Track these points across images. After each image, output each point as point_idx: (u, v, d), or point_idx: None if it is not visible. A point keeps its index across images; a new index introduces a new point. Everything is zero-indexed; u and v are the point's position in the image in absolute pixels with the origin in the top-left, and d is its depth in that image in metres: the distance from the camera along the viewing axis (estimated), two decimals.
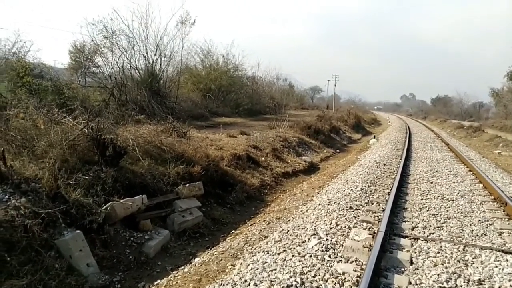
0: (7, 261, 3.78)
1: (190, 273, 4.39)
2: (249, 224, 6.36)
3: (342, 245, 4.31)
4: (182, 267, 4.70)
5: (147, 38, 16.69)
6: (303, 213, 5.94)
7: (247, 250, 4.70)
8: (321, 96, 73.90)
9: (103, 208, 4.93)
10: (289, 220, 5.79)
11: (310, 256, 3.97)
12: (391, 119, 46.39)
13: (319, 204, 6.21)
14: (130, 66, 16.44)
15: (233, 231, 6.23)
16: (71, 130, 5.85)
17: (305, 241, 4.44)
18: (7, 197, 4.26)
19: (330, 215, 5.42)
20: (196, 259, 4.91)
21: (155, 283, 4.37)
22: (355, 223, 5.06)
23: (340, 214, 5.43)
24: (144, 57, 16.79)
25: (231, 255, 4.66)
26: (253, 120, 21.10)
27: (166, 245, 5.43)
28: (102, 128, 5.90)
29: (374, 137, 20.05)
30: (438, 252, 4.23)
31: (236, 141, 11.22)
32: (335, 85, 54.22)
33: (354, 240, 4.45)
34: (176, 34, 17.75)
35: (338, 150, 16.38)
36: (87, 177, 5.25)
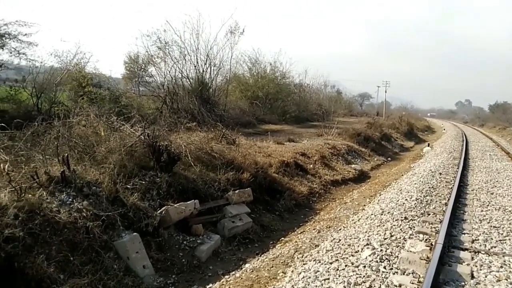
0: (71, 260, 4.02)
1: (241, 278, 4.44)
2: (299, 232, 6.33)
3: (398, 256, 4.17)
4: (233, 272, 4.77)
5: (197, 48, 17.18)
6: (354, 223, 5.82)
7: (298, 258, 4.68)
8: (370, 102, 72.20)
9: (158, 212, 5.12)
10: (340, 229, 5.69)
11: (364, 266, 3.88)
12: (446, 127, 44.30)
13: (372, 214, 6.05)
14: (182, 75, 16.99)
15: (282, 238, 6.22)
16: (129, 137, 6.13)
17: (358, 251, 4.35)
18: (70, 200, 4.53)
19: (383, 225, 5.27)
20: (247, 265, 4.96)
21: (207, 286, 4.46)
22: (410, 234, 4.88)
23: (394, 225, 5.27)
24: (195, 66, 17.28)
25: (282, 263, 4.66)
26: (300, 127, 21.00)
27: (217, 250, 5.52)
28: (158, 135, 6.14)
29: (428, 145, 19.26)
30: (501, 267, 3.99)
31: (284, 148, 11.22)
32: (385, 92, 52.65)
33: (410, 251, 4.29)
34: (226, 43, 18.14)
35: (389, 158, 15.89)
36: (143, 182, 5.48)
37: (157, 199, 5.44)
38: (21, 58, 11.55)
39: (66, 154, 4.89)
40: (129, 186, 5.14)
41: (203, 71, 17.60)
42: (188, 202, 5.63)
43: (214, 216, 6.18)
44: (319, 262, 4.19)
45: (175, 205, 5.35)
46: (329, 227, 6.10)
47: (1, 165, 4.64)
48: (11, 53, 11.27)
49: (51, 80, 12.40)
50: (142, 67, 23.39)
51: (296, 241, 5.59)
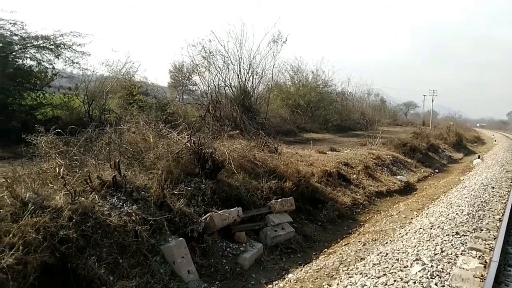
0: (120, 263, 4.15)
1: None
2: (343, 244, 6.20)
3: (449, 273, 3.98)
4: (276, 282, 4.74)
5: (240, 57, 17.41)
6: (402, 236, 5.63)
7: (343, 270, 4.58)
8: (415, 112, 69.86)
9: (203, 218, 5.19)
10: (386, 243, 5.51)
11: (414, 282, 3.73)
12: (497, 138, 42.00)
13: (420, 228, 5.82)
14: (225, 84, 17.25)
15: (325, 249, 6.12)
16: (176, 144, 6.28)
17: (407, 266, 4.18)
18: (121, 204, 4.70)
19: (433, 240, 5.05)
20: (290, 275, 4.91)
21: None
22: (462, 251, 4.64)
23: (445, 240, 5.03)
24: (238, 75, 17.51)
25: (327, 275, 4.57)
26: (343, 136, 20.67)
27: (259, 258, 5.51)
28: (203, 143, 6.25)
29: (479, 157, 18.33)
30: None
31: (326, 158, 11.07)
32: (432, 100, 50.78)
33: (463, 268, 4.07)
34: (268, 52, 18.25)
35: (437, 170, 15.27)
36: (189, 188, 5.60)
37: (202, 205, 5.53)
38: (75, 67, 12.17)
39: (117, 160, 5.09)
40: (175, 192, 5.26)
41: (245, 79, 17.80)
42: (232, 210, 5.68)
43: (256, 224, 6.19)
44: (366, 276, 4.07)
45: (219, 212, 5.41)
46: (375, 240, 5.93)
47: (57, 169, 4.91)
48: (65, 62, 11.90)
49: (102, 88, 12.98)
50: (186, 75, 23.97)
51: (340, 253, 5.47)
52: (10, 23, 10.42)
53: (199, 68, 17.24)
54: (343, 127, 24.67)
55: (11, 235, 3.56)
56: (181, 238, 4.70)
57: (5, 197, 3.92)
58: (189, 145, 6.24)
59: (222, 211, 5.49)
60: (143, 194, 4.96)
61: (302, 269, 5.10)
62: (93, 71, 12.88)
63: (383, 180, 11.08)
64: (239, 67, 17.53)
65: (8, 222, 3.68)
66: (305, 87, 24.42)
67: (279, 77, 22.87)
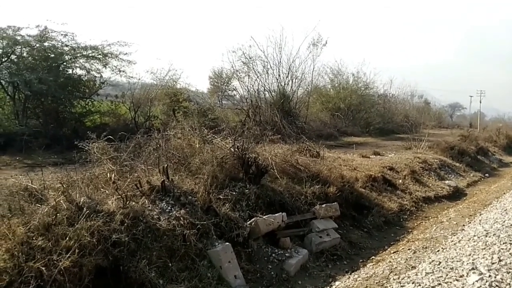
0: (169, 266, 4.22)
1: None
2: (391, 251, 6.00)
3: (509, 283, 3.74)
4: None
5: (280, 61, 17.42)
6: (454, 244, 5.36)
7: (393, 279, 4.41)
8: (462, 113, 66.85)
9: (248, 223, 5.20)
10: (438, 251, 5.28)
11: None
12: None
13: (474, 235, 5.53)
14: (264, 89, 17.31)
15: (373, 257, 5.95)
16: (220, 149, 6.35)
17: (463, 275, 3.97)
18: (169, 208, 4.79)
19: (489, 249, 4.77)
20: (337, 283, 4.81)
21: None
22: None
23: (502, 248, 4.74)
24: (277, 79, 17.52)
25: (377, 283, 4.42)
26: (386, 140, 20.12)
27: (305, 265, 5.45)
28: (246, 148, 6.28)
29: None
30: None
31: (370, 162, 10.80)
32: (480, 102, 48.36)
33: None
34: (308, 56, 18.14)
35: (487, 174, 14.50)
36: (233, 193, 5.63)
37: (247, 210, 5.55)
38: (121, 75, 12.63)
39: (166, 165, 5.21)
40: (221, 197, 5.32)
41: (284, 84, 17.77)
42: (276, 215, 5.65)
43: (301, 230, 6.12)
44: (419, 285, 3.91)
45: (264, 217, 5.40)
46: (426, 247, 5.69)
47: (109, 174, 5.09)
48: (112, 71, 12.39)
49: (147, 95, 13.39)
50: (226, 81, 24.27)
51: (389, 261, 5.29)
52: (62, 34, 11.01)
53: (239, 73, 17.41)
54: (386, 130, 24.00)
55: (67, 238, 3.71)
56: (227, 243, 4.72)
57: (61, 201, 4.10)
58: (233, 150, 6.29)
59: (266, 216, 5.48)
60: (190, 198, 5.04)
61: (350, 277, 4.97)
62: (139, 79, 13.34)
63: (430, 185, 10.65)
64: (279, 71, 17.54)
65: (64, 226, 3.85)
66: (346, 90, 23.99)
67: (318, 81, 22.65)
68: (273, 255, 5.30)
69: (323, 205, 6.58)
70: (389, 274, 4.64)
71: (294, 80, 18.03)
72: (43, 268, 3.35)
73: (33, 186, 4.44)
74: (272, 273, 4.99)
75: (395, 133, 24.07)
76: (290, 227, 6.02)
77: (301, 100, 19.50)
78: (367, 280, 4.61)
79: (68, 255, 3.56)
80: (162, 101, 14.22)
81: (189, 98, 15.09)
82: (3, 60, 10.10)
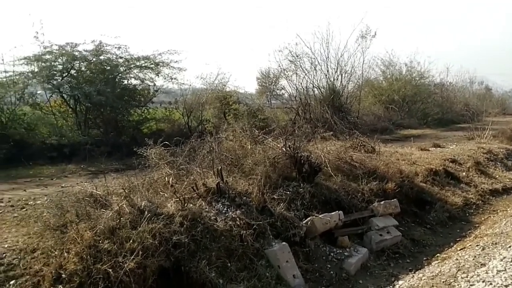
0: (228, 266, 4.27)
1: None
2: (458, 248, 5.66)
3: None
4: None
5: (327, 57, 17.11)
6: None
7: (462, 278, 4.16)
8: None
9: (304, 222, 5.15)
10: (510, 247, 4.90)
11: None
12: None
13: None
14: (313, 86, 17.09)
15: (438, 254, 5.65)
16: (271, 149, 6.35)
17: None
18: (225, 209, 4.86)
19: None
20: (401, 282, 4.61)
21: None
22: None
23: None
24: (326, 75, 17.22)
25: (444, 282, 4.18)
26: (445, 131, 19.12)
27: (365, 264, 5.29)
28: (298, 147, 6.22)
29: None
30: None
31: (430, 155, 10.29)
32: None
33: None
34: (357, 49, 17.65)
35: None
36: (287, 193, 5.60)
37: (302, 209, 5.49)
38: (173, 82, 13.01)
39: (220, 167, 5.29)
40: (275, 197, 5.31)
41: (334, 79, 17.42)
42: (333, 213, 5.54)
43: (359, 228, 5.96)
44: (490, 284, 3.66)
45: (320, 216, 5.32)
46: (496, 243, 5.30)
47: (167, 178, 5.27)
48: (165, 78, 12.79)
49: (198, 100, 13.73)
50: (273, 81, 24.25)
51: (456, 259, 4.99)
52: (115, 47, 11.53)
53: (286, 72, 17.32)
54: (445, 121, 22.81)
55: (131, 241, 3.87)
56: (284, 243, 4.70)
57: (124, 206, 4.30)
58: (284, 149, 6.26)
59: (322, 215, 5.39)
60: (245, 199, 5.07)
61: (414, 276, 4.75)
62: (190, 85, 13.68)
63: (497, 176, 9.94)
64: (327, 67, 17.24)
65: (128, 229, 4.02)
66: (399, 81, 23.06)
67: (369, 73, 21.95)
68: (332, 254, 5.20)
69: (382, 202, 6.36)
70: (457, 273, 4.37)
71: (343, 75, 17.62)
72: (110, 270, 3.52)
73: (98, 192, 4.69)
74: (332, 272, 4.89)
75: (455, 123, 22.82)
76: (348, 225, 5.87)
77: (352, 95, 19.02)
78: (432, 279, 4.38)
79: (132, 257, 3.71)
80: (213, 104, 14.48)
81: (238, 100, 15.25)
82: (64, 75, 10.76)
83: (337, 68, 17.42)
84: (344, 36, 31.70)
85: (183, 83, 13.22)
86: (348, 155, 7.70)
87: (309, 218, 5.27)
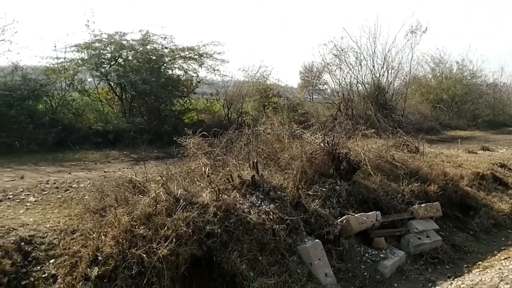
0: (259, 260, 4.26)
1: None
2: (502, 258, 5.35)
3: None
4: None
5: (374, 52, 16.60)
6: None
7: None
8: None
9: (339, 220, 5.04)
10: None
11: None
12: None
13: None
14: (357, 81, 16.68)
15: (479, 262, 5.38)
16: (309, 144, 6.26)
17: None
18: (259, 202, 4.84)
19: None
20: None
21: None
22: None
23: None
24: (371, 71, 16.74)
25: None
26: (496, 134, 18.10)
27: (401, 267, 5.12)
28: (337, 143, 6.09)
29: None
30: None
31: (477, 158, 9.76)
32: None
33: None
34: (405, 44, 16.99)
35: None
36: (323, 189, 5.50)
37: (337, 207, 5.38)
38: (216, 74, 13.13)
39: (256, 160, 5.28)
40: (310, 193, 5.23)
41: (379, 75, 16.91)
42: (370, 213, 5.39)
43: (397, 230, 5.77)
44: None
45: (356, 215, 5.19)
46: None
47: (203, 168, 5.33)
48: (207, 70, 12.93)
49: (239, 92, 13.78)
50: (316, 75, 23.91)
51: (499, 268, 4.71)
52: (161, 37, 11.77)
53: (330, 66, 16.99)
54: (496, 123, 21.58)
55: (165, 228, 3.96)
56: (317, 240, 4.63)
57: (161, 193, 4.39)
58: (322, 145, 6.14)
59: (359, 214, 5.26)
60: (279, 193, 5.04)
61: (452, 283, 4.54)
62: (231, 77, 13.74)
63: None
64: (373, 62, 16.74)
65: (163, 216, 4.11)
66: (449, 80, 22.01)
67: (418, 70, 21.09)
68: (366, 255, 5.07)
69: (423, 205, 6.12)
70: (499, 283, 4.12)
71: (390, 71, 17.05)
72: (144, 255, 3.62)
73: (137, 178, 4.82)
74: (365, 273, 4.77)
75: (507, 126, 21.54)
76: (385, 226, 5.71)
77: (398, 92, 18.39)
78: (472, 287, 4.16)
79: (166, 244, 3.79)
80: (253, 97, 14.48)
81: (278, 93, 15.15)
82: (112, 63, 11.14)
83: (383, 63, 16.90)
84: (392, 31, 30.61)
85: (225, 75, 13.31)
86: (390, 154, 7.46)
87: (344, 217, 5.16)
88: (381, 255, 5.10)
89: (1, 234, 3.81)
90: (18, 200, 5.10)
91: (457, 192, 7.12)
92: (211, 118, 13.09)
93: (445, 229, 6.37)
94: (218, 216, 4.28)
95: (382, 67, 16.85)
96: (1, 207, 4.78)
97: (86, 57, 10.79)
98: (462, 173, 8.02)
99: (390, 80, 17.26)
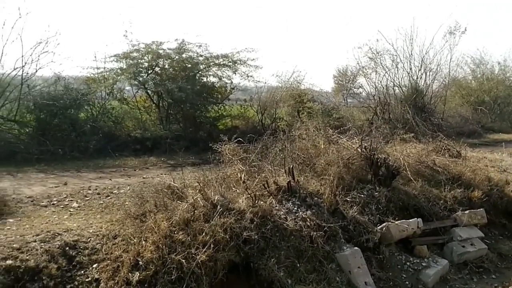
0: (297, 267, 4.21)
1: None
2: None
3: None
4: None
5: (411, 54, 16.17)
6: None
7: None
8: None
9: (378, 227, 4.92)
10: None
11: None
12: None
13: None
14: (393, 84, 16.31)
15: None
16: (346, 149, 6.16)
17: None
18: (295, 208, 4.80)
19: None
20: None
21: None
22: None
23: None
24: (408, 73, 16.30)
25: None
26: None
27: (444, 276, 4.95)
28: (375, 148, 5.96)
29: None
30: None
31: None
32: None
33: None
34: (444, 45, 16.46)
35: None
36: (361, 196, 5.38)
37: (376, 214, 5.25)
38: (249, 80, 13.21)
39: (291, 166, 5.25)
40: (348, 199, 5.12)
41: (417, 77, 16.46)
42: (411, 220, 5.23)
43: (439, 238, 5.57)
44: None
45: (397, 222, 5.05)
46: None
47: (239, 174, 5.34)
48: (241, 76, 13.04)
49: (272, 97, 13.79)
50: (351, 79, 23.60)
51: None
52: (197, 45, 11.99)
53: (365, 69, 16.71)
54: None
55: (203, 233, 3.98)
56: (356, 247, 4.53)
57: (198, 199, 4.43)
58: (360, 150, 6.03)
59: (399, 221, 5.11)
60: (316, 200, 4.97)
61: None
62: (265, 83, 13.78)
63: None
64: (410, 64, 16.31)
65: (201, 222, 4.14)
66: (491, 81, 21.10)
67: (457, 72, 20.37)
68: (408, 263, 4.92)
69: (466, 211, 5.88)
70: None
71: (428, 73, 16.55)
72: (183, 261, 3.65)
73: (175, 184, 4.90)
74: (407, 282, 4.63)
75: None
76: (427, 234, 5.52)
77: (437, 95, 17.80)
78: None
79: (204, 249, 3.81)
80: (287, 102, 14.44)
81: (313, 98, 15.04)
82: (149, 72, 11.47)
83: (421, 66, 16.43)
84: (430, 32, 29.72)
85: (259, 81, 13.36)
86: (430, 159, 7.24)
87: (384, 224, 5.03)
88: (423, 264, 4.93)
89: (47, 239, 3.96)
90: (62, 206, 5.31)
91: (503, 198, 6.78)
92: (245, 124, 13.16)
93: (491, 237, 6.12)
94: (254, 222, 4.27)
95: (420, 69, 16.39)
96: (47, 212, 5.00)
97: (124, 67, 11.16)
98: (508, 178, 7.62)
99: (428, 83, 16.76)
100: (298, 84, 15.09)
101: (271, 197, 4.87)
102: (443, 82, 18.27)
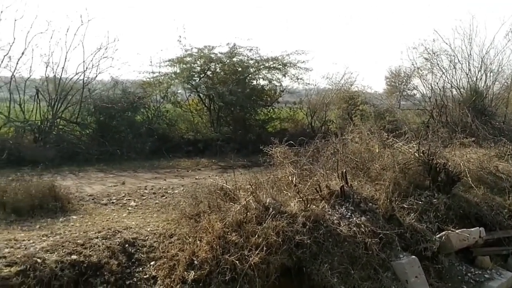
0: (351, 274, 4.10)
1: None
2: None
3: None
4: None
5: (470, 54, 15.31)
6: None
7: None
8: None
9: (437, 236, 4.70)
10: None
11: None
12: None
13: None
14: (451, 86, 15.53)
15: None
16: (401, 154, 5.95)
17: None
18: (349, 214, 4.69)
19: None
20: None
21: None
22: None
23: None
24: (467, 74, 15.43)
25: None
26: None
27: None
28: (434, 152, 5.70)
29: None
30: None
31: None
32: None
33: None
34: (506, 45, 15.41)
35: None
36: (419, 202, 5.16)
37: (435, 222, 5.02)
38: (299, 83, 13.13)
39: (344, 170, 5.15)
40: (404, 206, 4.94)
41: (476, 79, 15.56)
42: (472, 229, 4.97)
43: (504, 248, 5.26)
44: None
45: (457, 231, 4.80)
46: None
47: (290, 177, 5.32)
48: (291, 79, 12.98)
49: (322, 100, 13.63)
50: (404, 80, 22.78)
51: None
52: (247, 49, 12.12)
53: (421, 71, 16.06)
54: None
55: (256, 236, 3.98)
56: (413, 256, 4.36)
57: (250, 201, 4.46)
58: (417, 155, 5.79)
59: (460, 230, 4.86)
60: (371, 205, 4.83)
61: None
62: (315, 85, 13.66)
63: None
64: (468, 65, 15.45)
65: (253, 224, 4.15)
66: None
67: None
68: (469, 274, 4.67)
69: None
70: None
71: (488, 74, 15.58)
72: (237, 262, 3.68)
73: (227, 186, 4.96)
74: None
75: None
76: (490, 244, 5.22)
77: (498, 97, 16.71)
78: None
79: (257, 251, 3.82)
80: (337, 105, 14.21)
81: (365, 100, 14.70)
82: (201, 76, 11.76)
83: (480, 66, 15.50)
84: (491, 31, 28.04)
85: (309, 83, 13.26)
86: (493, 165, 6.86)
87: (443, 233, 4.81)
88: (485, 276, 4.67)
89: (108, 236, 4.14)
90: (121, 204, 5.57)
91: None
92: (294, 126, 13.12)
93: None
94: (307, 227, 4.23)
95: (480, 70, 15.47)
96: (107, 210, 5.26)
97: (178, 71, 11.53)
98: None
99: (488, 84, 15.78)
100: (350, 86, 14.82)
101: (323, 201, 4.80)
102: (505, 83, 17.15)
